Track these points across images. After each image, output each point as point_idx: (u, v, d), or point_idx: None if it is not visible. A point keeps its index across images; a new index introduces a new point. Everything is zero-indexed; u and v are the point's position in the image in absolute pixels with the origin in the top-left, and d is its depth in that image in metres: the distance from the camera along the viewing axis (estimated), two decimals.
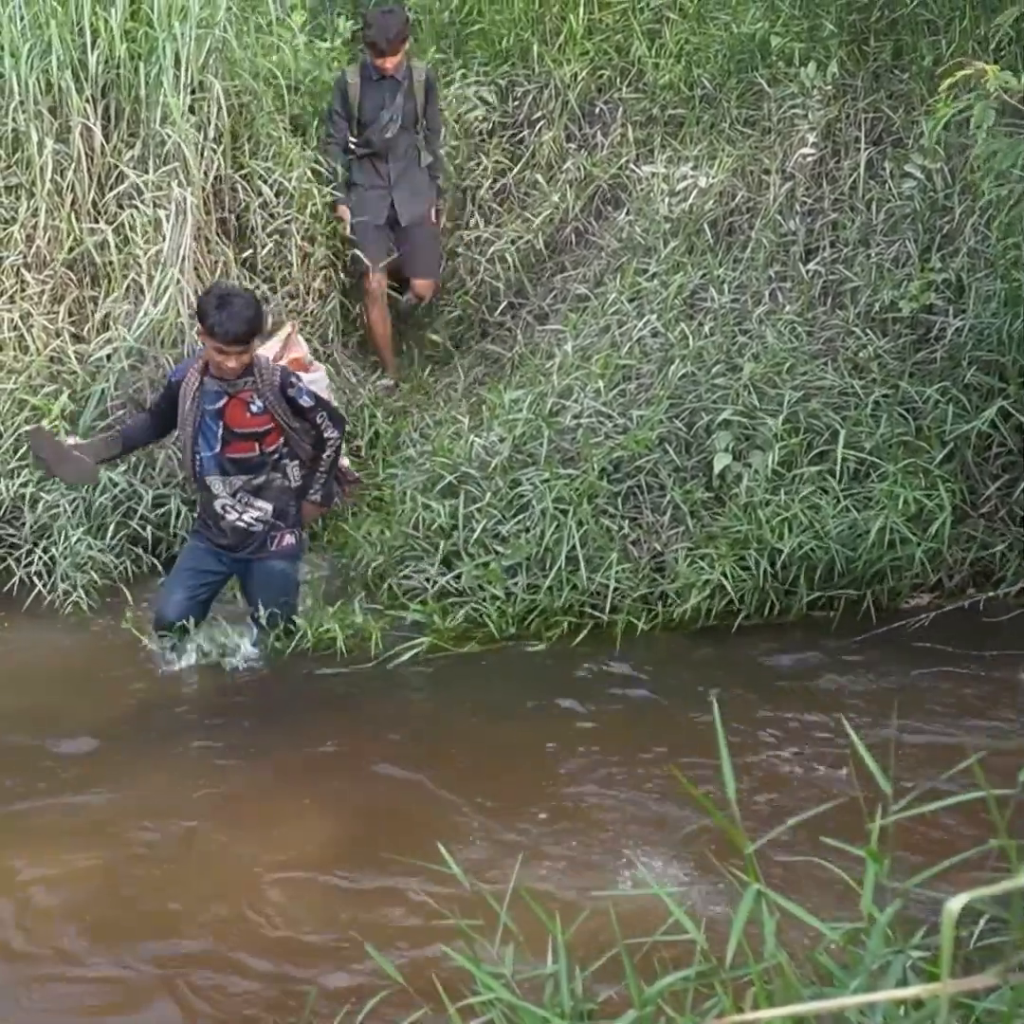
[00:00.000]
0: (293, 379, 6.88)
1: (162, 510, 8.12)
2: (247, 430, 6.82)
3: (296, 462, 7.00)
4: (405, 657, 7.20)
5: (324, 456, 7.00)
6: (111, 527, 7.99)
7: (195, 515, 7.45)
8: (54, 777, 6.18)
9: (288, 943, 4.98)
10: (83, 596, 7.73)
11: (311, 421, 6.90)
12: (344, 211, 9.62)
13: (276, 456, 6.92)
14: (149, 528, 8.01)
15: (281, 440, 6.88)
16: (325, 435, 6.93)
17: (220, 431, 6.81)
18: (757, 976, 2.11)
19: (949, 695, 6.76)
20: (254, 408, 6.78)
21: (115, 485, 8.02)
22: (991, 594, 7.48)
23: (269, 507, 6.97)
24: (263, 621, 7.14)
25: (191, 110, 8.85)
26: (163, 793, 6.08)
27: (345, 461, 7.66)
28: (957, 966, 2.08)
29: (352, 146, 9.65)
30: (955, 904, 1.59)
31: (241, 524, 6.98)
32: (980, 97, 6.87)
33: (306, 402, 6.84)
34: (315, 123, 9.88)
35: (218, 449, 6.85)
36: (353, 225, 9.69)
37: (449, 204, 10.18)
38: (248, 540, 7.02)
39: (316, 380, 7.37)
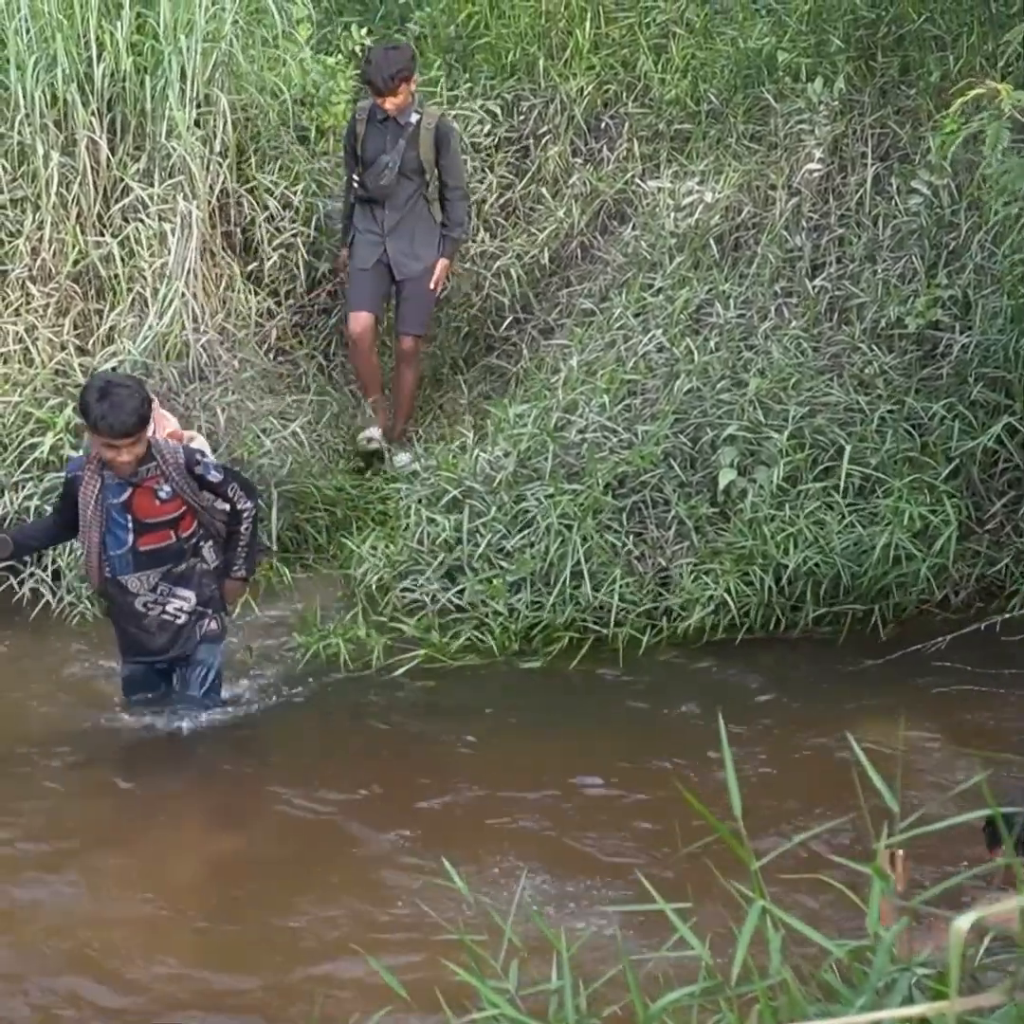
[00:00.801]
0: (198, 456, 6.39)
1: None
2: (159, 519, 6.33)
3: (210, 542, 6.54)
4: (400, 672, 7.21)
5: (242, 529, 6.53)
6: None
7: (115, 637, 6.82)
8: None
9: (287, 953, 4.96)
10: (88, 606, 7.72)
11: (223, 495, 6.44)
12: (344, 255, 9.31)
13: (194, 540, 6.46)
14: None
15: (196, 523, 6.42)
16: (239, 507, 6.46)
17: (130, 524, 6.30)
18: (762, 993, 2.09)
19: (957, 712, 6.75)
20: (163, 494, 6.27)
21: None
22: (1006, 616, 7.43)
23: (192, 595, 6.49)
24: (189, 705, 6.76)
25: (197, 123, 8.87)
26: (108, 809, 6.07)
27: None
28: (963, 984, 2.07)
29: (355, 186, 9.21)
30: (963, 922, 1.57)
31: (166, 616, 6.48)
32: (993, 117, 6.85)
33: (215, 477, 6.38)
34: (319, 139, 9.90)
35: (131, 543, 6.34)
36: (349, 271, 9.38)
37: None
38: (178, 635, 6.53)
39: (203, 449, 6.74)
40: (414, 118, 9.02)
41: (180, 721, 6.68)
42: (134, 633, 6.55)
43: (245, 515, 6.49)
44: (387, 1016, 2.80)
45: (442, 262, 9.23)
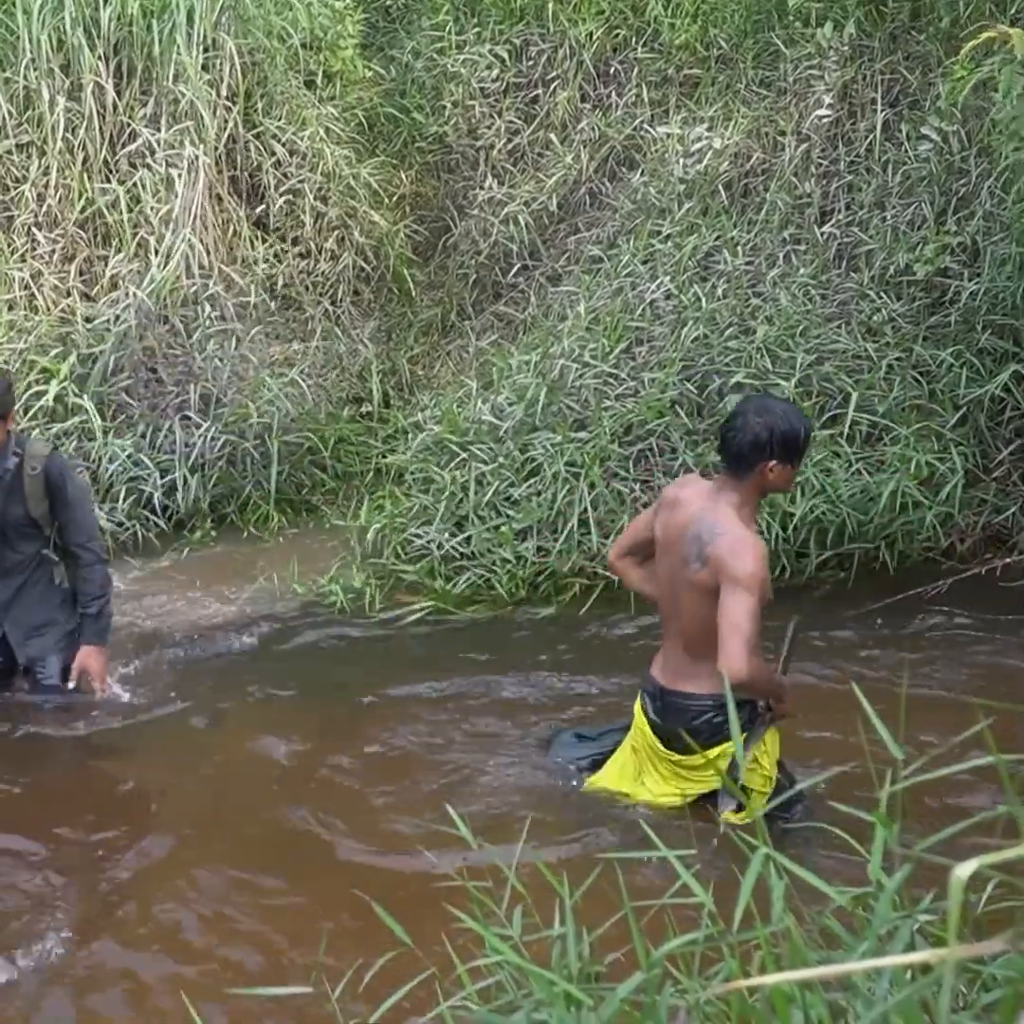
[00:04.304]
0: None
1: (168, 477, 8.08)
2: None
3: None
4: (406, 620, 7.24)
5: None
6: (122, 493, 7.97)
7: None
8: None
9: (291, 902, 4.98)
10: None
11: None
12: None
13: None
14: (156, 495, 7.96)
15: None
16: None
17: None
18: (764, 940, 2.10)
19: (961, 659, 6.75)
20: None
21: (124, 451, 8.02)
22: (1007, 560, 7.46)
23: None
24: None
25: (204, 68, 8.82)
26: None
27: None
28: (965, 931, 2.07)
29: None
30: (964, 870, 1.57)
31: None
32: (1005, 62, 6.80)
33: None
34: (326, 84, 9.84)
35: None
36: None
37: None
38: None
39: None
40: (12, 462, 6.20)
41: None
42: None
43: None
44: (391, 963, 2.80)
45: (90, 653, 6.33)
